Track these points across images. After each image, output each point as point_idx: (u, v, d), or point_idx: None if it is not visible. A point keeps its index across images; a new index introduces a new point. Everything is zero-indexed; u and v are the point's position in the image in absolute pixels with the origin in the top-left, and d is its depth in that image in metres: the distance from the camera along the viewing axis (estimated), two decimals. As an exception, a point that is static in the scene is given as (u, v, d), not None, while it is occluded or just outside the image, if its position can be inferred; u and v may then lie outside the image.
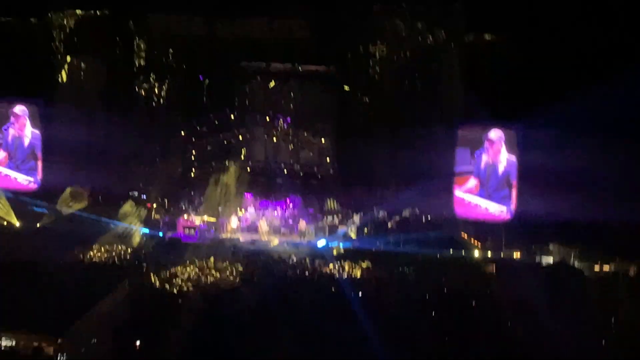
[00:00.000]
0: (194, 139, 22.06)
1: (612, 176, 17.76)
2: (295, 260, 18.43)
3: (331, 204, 21.28)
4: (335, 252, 19.53)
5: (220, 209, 20.96)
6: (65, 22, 21.94)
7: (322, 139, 22.18)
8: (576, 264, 18.82)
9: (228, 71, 21.74)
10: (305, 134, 22.25)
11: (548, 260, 18.99)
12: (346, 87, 21.91)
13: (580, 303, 14.79)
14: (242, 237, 20.47)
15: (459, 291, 16.25)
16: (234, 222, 20.89)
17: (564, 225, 18.18)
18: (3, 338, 13.27)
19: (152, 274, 16.87)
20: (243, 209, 21.21)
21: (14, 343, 13.27)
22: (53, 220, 19.97)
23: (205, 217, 20.73)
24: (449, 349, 13.32)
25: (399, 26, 21.65)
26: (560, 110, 17.22)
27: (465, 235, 19.74)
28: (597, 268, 18.59)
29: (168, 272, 17.17)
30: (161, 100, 22.08)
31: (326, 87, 22.09)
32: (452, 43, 20.97)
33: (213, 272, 17.36)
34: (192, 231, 20.33)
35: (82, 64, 21.89)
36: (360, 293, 16.00)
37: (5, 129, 18.62)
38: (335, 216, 20.92)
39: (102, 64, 21.95)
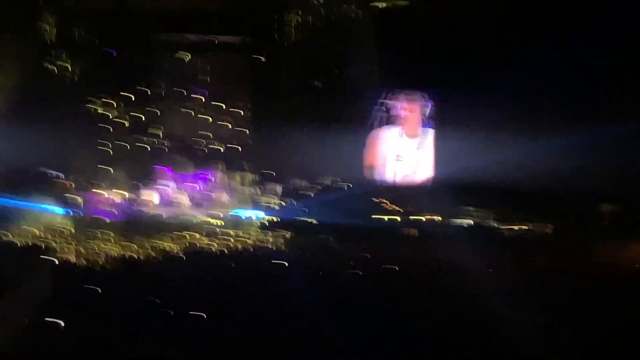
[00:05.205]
0: (110, 116, 21.65)
1: (529, 141, 18.25)
2: (219, 232, 18.45)
3: (252, 175, 21.26)
4: (258, 223, 19.65)
5: (140, 185, 20.72)
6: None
7: (241, 111, 22.06)
8: (495, 225, 19.43)
9: (141, 45, 21.35)
10: (223, 106, 22.06)
11: (467, 222, 19.51)
12: (262, 58, 21.82)
13: (499, 261, 15.18)
14: (164, 212, 20.29)
15: (382, 256, 16.48)
16: (155, 198, 20.62)
17: (483, 188, 18.67)
18: None
19: (73, 253, 16.62)
20: (164, 184, 21.02)
21: None
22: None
23: (126, 194, 20.44)
24: (374, 313, 13.48)
25: (313, -6, 21.64)
26: (479, 78, 17.59)
27: (386, 201, 20.05)
28: (514, 228, 19.27)
29: (88, 250, 16.92)
30: (74, 77, 21.56)
31: (242, 58, 21.95)
32: (367, 10, 21.05)
33: (136, 248, 17.20)
34: (112, 208, 20.10)
35: (-11, 41, 21.16)
36: (285, 263, 16.08)
37: None
38: (256, 187, 20.95)
39: (9, 40, 21.27)
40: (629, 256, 15.97)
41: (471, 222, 19.38)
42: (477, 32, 18.98)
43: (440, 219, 19.59)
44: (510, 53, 18.26)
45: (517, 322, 10.28)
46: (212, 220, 19.53)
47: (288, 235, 18.21)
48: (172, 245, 17.38)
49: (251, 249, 17.42)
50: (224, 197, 20.53)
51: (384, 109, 20.26)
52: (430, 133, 19.82)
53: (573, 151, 17.86)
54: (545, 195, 18.56)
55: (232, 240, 17.96)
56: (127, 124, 21.84)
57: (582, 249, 16.34)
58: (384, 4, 21.11)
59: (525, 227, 19.15)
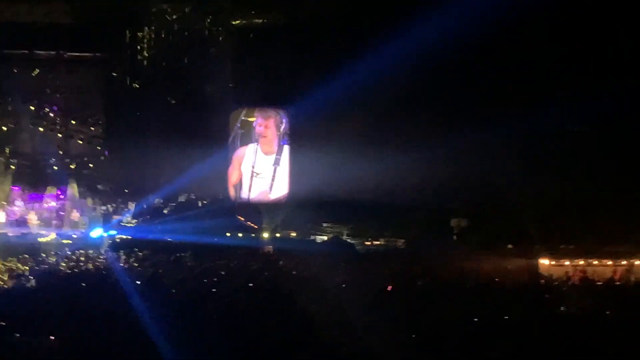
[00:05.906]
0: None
1: (383, 159, 18.61)
2: (68, 252, 17.99)
3: (105, 192, 20.89)
4: (110, 242, 19.28)
5: (-14, 204, 20.00)
6: None
7: (92, 127, 21.66)
8: (349, 240, 19.78)
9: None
10: (74, 123, 21.61)
11: (322, 238, 19.79)
12: (115, 73, 21.49)
13: (353, 275, 15.43)
14: (11, 232, 19.67)
15: (238, 273, 16.46)
16: (2, 217, 19.97)
17: (338, 205, 18.97)
18: None
19: None
20: (11, 203, 20.33)
21: None
22: None
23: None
24: (229, 330, 13.43)
25: (166, 10, 21.51)
26: (334, 95, 17.84)
27: (242, 217, 20.06)
28: (367, 243, 19.67)
29: None
30: None
31: (94, 73, 21.57)
32: (223, 27, 21.13)
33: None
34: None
35: None
36: (137, 282, 15.80)
37: None
38: (109, 205, 20.58)
39: None
40: (476, 268, 16.53)
41: (326, 237, 19.65)
42: (332, 50, 19.28)
43: (295, 234, 19.78)
44: (366, 70, 18.57)
45: (368, 331, 10.51)
46: (62, 240, 19.05)
47: (141, 254, 17.90)
48: (19, 265, 16.83)
49: (103, 269, 17.01)
50: (76, 215, 20.06)
51: (241, 125, 20.22)
52: (286, 149, 19.92)
53: (425, 169, 18.31)
54: (397, 211, 18.99)
55: (83, 259, 17.52)
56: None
57: (432, 262, 16.78)
58: (240, 22, 21.21)
59: (378, 242, 19.60)
